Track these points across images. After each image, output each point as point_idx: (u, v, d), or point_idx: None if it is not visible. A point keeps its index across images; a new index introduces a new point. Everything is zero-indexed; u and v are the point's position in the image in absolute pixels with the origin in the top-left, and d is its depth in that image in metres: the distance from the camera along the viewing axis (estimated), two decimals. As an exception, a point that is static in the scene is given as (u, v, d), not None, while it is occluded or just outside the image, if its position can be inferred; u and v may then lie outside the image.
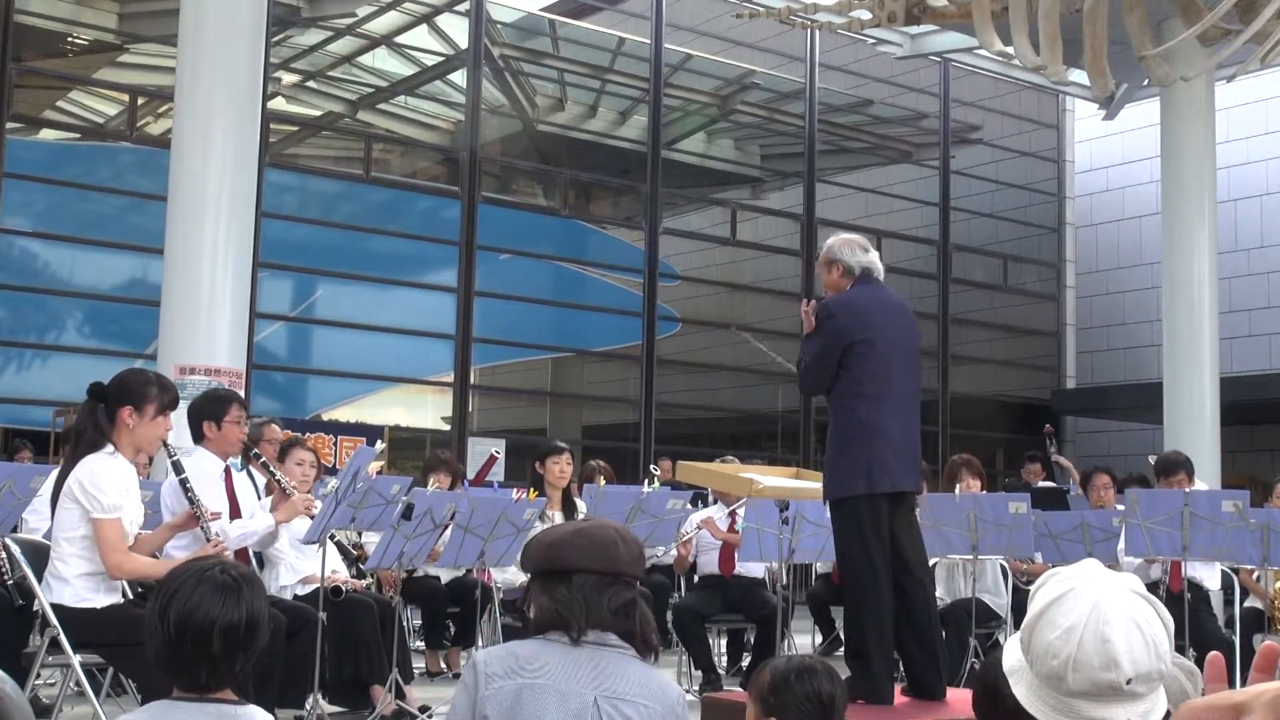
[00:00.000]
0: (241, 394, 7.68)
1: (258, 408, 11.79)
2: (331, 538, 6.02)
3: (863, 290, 5.36)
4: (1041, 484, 12.15)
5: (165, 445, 5.07)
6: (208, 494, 5.57)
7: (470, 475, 10.78)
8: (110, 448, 4.82)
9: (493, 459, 9.95)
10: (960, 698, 5.75)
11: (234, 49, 9.26)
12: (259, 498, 6.21)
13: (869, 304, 5.32)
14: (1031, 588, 1.81)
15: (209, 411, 5.88)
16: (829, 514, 5.49)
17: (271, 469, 6.05)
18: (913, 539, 5.38)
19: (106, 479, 4.74)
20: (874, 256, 5.47)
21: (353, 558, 6.37)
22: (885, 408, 5.22)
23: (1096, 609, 1.70)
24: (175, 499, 5.48)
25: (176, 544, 5.33)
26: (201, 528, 5.11)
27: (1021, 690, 1.74)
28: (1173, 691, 1.80)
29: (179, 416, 5.46)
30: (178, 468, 5.21)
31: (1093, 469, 9.38)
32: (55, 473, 5.60)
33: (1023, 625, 1.78)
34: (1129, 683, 1.69)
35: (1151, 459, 8.82)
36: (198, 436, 5.89)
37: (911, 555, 5.35)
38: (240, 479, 6.00)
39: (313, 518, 5.96)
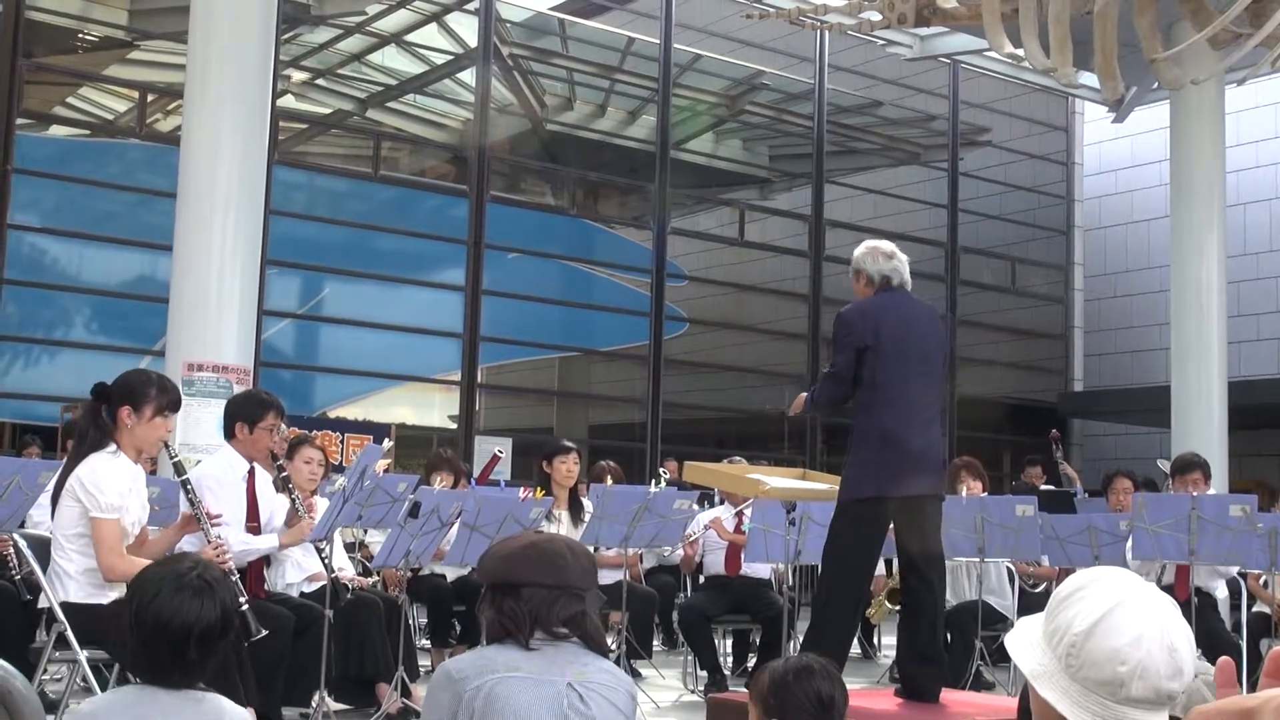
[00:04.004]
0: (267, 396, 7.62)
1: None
2: (335, 580, 5.99)
3: (882, 298, 5.38)
4: (1043, 487, 12.11)
5: (166, 447, 5.06)
6: (227, 494, 5.57)
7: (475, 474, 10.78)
8: (113, 447, 4.83)
9: (495, 458, 9.94)
10: (962, 700, 5.74)
11: (244, 46, 9.28)
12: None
13: (882, 311, 5.34)
14: (1063, 591, 1.77)
15: (245, 413, 5.83)
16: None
17: (293, 494, 5.99)
18: (925, 543, 5.37)
19: (107, 478, 4.75)
20: (898, 263, 5.47)
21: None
22: (898, 413, 5.22)
23: (1162, 617, 1.70)
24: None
25: (189, 540, 5.33)
26: (203, 530, 5.10)
27: (1054, 695, 1.71)
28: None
29: (183, 417, 5.45)
30: (179, 469, 5.20)
31: (1115, 472, 9.33)
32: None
33: (1058, 629, 1.74)
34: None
35: (1160, 463, 8.80)
36: (229, 434, 5.87)
37: (921, 560, 5.34)
38: (264, 480, 5.96)
39: (317, 545, 5.95)
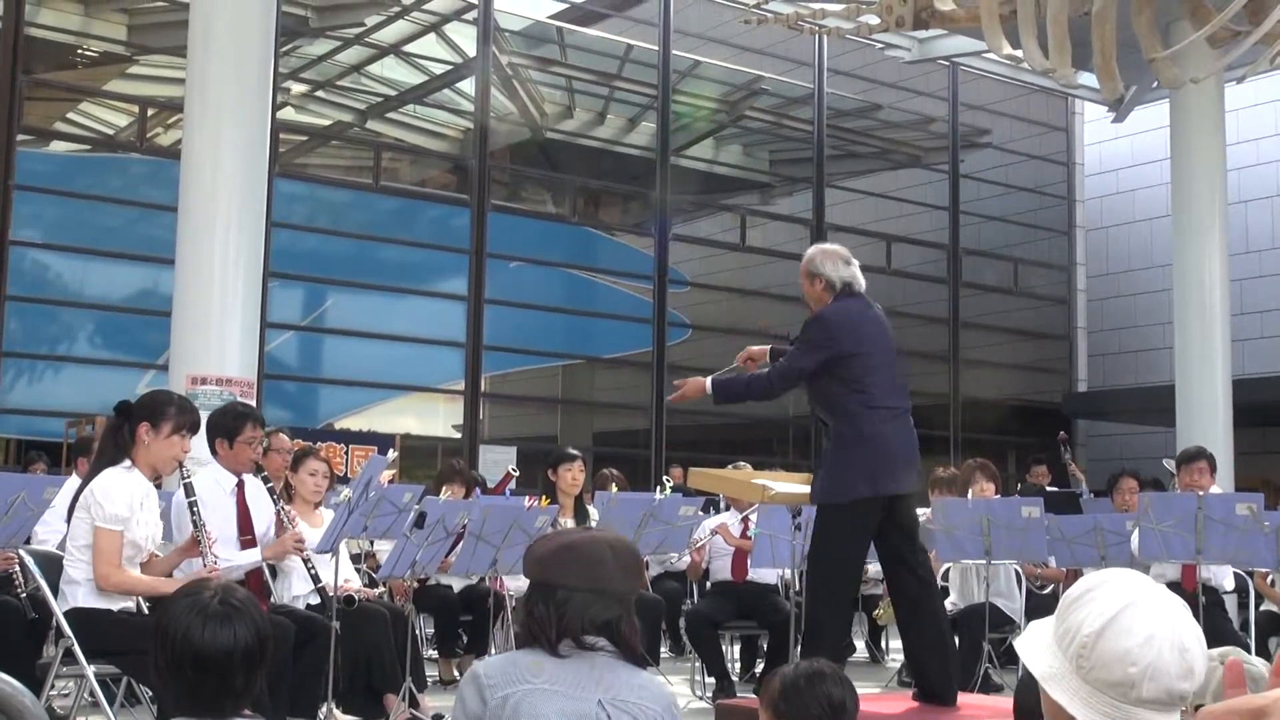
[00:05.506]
0: (254, 405, 7.64)
1: (269, 417, 11.68)
2: (323, 593, 5.98)
3: (853, 304, 5.41)
4: (1049, 487, 12.11)
5: (181, 467, 5.09)
6: (212, 512, 5.57)
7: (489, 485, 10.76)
8: (128, 462, 4.89)
9: (509, 476, 9.93)
10: (972, 702, 5.73)
11: (243, 59, 9.29)
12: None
13: (861, 316, 5.41)
14: (1074, 593, 1.77)
15: (223, 428, 5.85)
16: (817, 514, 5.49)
17: (279, 506, 5.97)
18: (913, 542, 5.44)
19: (116, 491, 4.82)
20: (855, 269, 5.52)
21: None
22: (886, 418, 5.32)
23: (1173, 618, 1.70)
24: (179, 518, 5.50)
25: (186, 562, 5.34)
26: (201, 553, 5.11)
27: (1065, 697, 1.71)
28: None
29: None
30: (189, 490, 5.22)
31: (1121, 471, 9.32)
32: (68, 483, 5.64)
33: (1069, 631, 1.74)
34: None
35: (1166, 462, 8.78)
36: (211, 450, 5.88)
37: (915, 560, 5.40)
38: (255, 490, 5.95)
39: (302, 555, 5.94)
